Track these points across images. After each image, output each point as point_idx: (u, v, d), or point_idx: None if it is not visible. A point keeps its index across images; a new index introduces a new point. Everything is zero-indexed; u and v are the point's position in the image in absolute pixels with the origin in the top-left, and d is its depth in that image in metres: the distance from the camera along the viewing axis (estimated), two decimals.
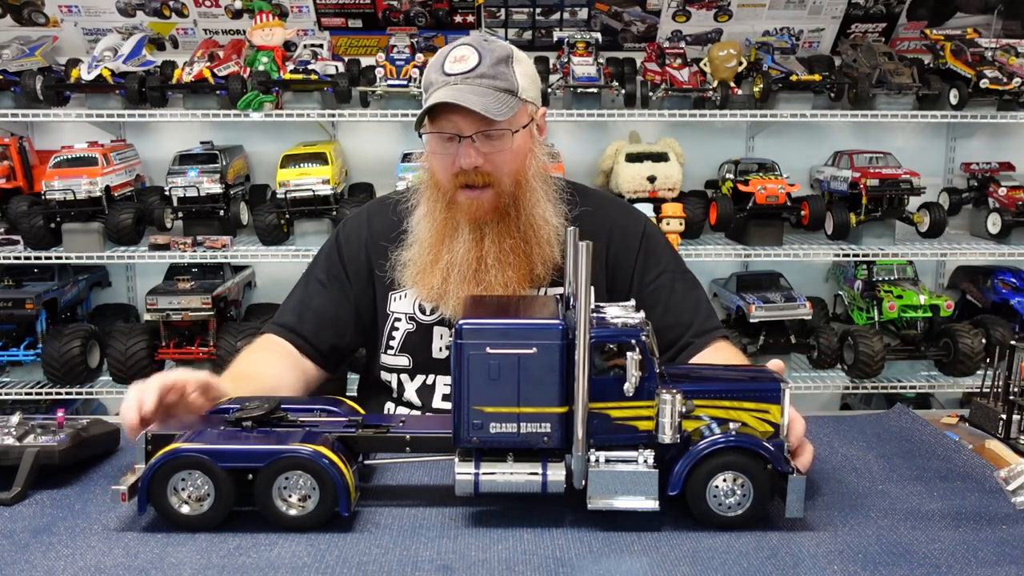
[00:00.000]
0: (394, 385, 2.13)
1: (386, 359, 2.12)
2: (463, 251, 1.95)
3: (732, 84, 3.98)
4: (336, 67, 3.95)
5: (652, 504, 1.41)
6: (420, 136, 1.99)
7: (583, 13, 4.15)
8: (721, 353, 2.04)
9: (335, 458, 1.41)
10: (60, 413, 1.69)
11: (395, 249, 2.07)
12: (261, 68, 3.84)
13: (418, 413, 2.10)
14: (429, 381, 2.09)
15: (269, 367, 2.06)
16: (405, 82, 3.84)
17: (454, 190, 1.96)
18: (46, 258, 3.82)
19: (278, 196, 3.85)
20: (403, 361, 2.10)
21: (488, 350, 1.39)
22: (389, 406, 2.15)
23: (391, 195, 2.25)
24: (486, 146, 1.92)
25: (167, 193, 3.87)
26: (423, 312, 2.08)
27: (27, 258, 3.82)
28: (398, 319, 2.10)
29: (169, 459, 1.40)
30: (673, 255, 2.19)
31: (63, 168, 3.75)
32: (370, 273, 2.13)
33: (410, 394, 2.10)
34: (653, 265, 2.11)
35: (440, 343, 2.06)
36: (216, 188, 3.85)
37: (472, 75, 1.89)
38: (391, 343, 2.10)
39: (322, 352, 2.11)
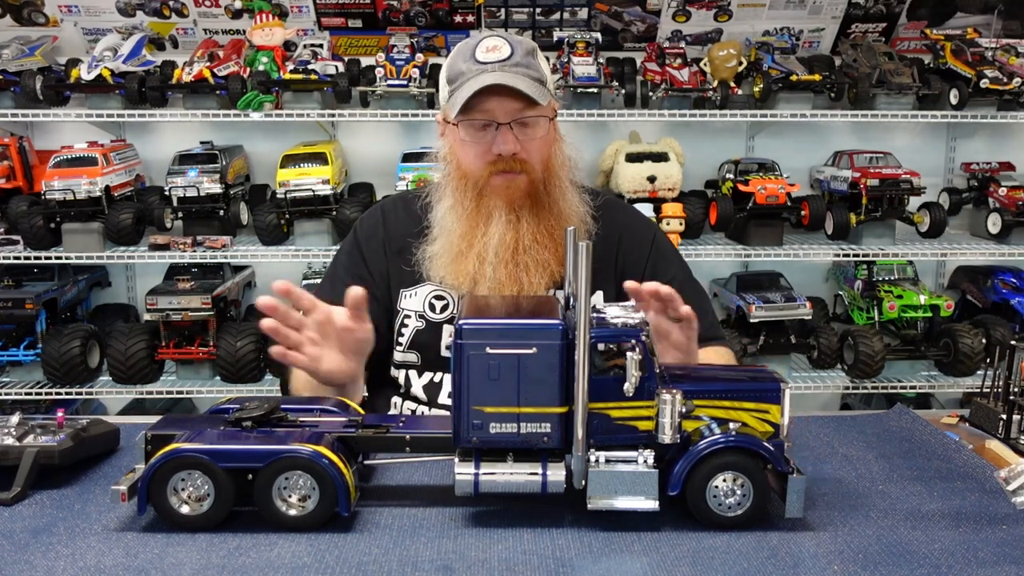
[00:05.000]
0: (402, 380, 2.15)
1: (395, 355, 2.14)
2: (499, 235, 1.98)
3: (732, 84, 3.98)
4: (336, 67, 3.95)
5: (652, 504, 1.41)
6: (453, 125, 1.99)
7: (583, 13, 4.15)
8: (711, 355, 2.07)
9: (335, 458, 1.41)
10: (60, 413, 1.69)
11: (417, 245, 2.08)
12: (261, 68, 3.84)
13: (423, 410, 2.12)
14: (436, 378, 2.11)
15: None
16: (405, 82, 3.84)
17: (487, 177, 1.99)
18: (46, 258, 3.82)
19: (278, 196, 3.85)
20: (411, 357, 2.12)
21: (488, 350, 1.39)
22: (396, 401, 2.16)
23: (406, 192, 2.29)
24: (521, 133, 1.96)
25: (167, 193, 3.87)
26: (433, 310, 2.10)
27: (27, 258, 3.83)
28: (408, 316, 2.12)
29: (169, 459, 1.40)
30: (681, 263, 2.24)
31: (63, 168, 3.76)
32: (387, 270, 2.15)
33: (417, 390, 2.13)
34: (662, 272, 2.14)
35: (448, 341, 2.07)
36: (216, 188, 3.85)
37: (509, 63, 1.94)
38: (400, 339, 2.12)
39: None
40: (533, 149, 1.98)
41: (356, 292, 1.74)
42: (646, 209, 3.79)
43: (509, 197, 1.99)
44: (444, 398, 2.09)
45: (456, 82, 1.97)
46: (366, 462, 1.59)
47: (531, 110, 1.95)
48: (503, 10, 4.12)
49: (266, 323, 1.69)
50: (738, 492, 1.41)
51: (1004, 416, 1.83)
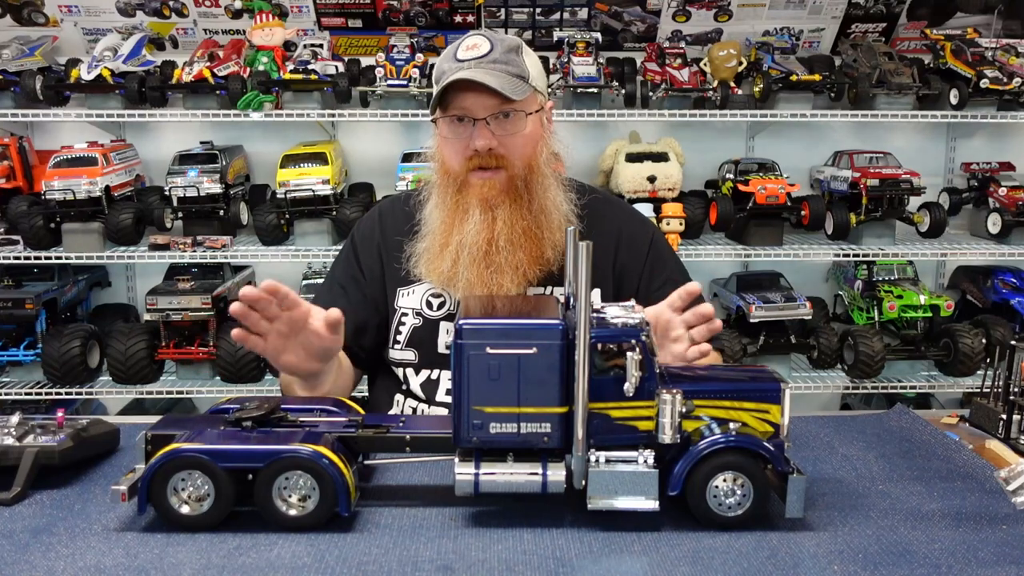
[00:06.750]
0: (401, 378, 2.16)
1: (393, 353, 2.15)
2: (474, 232, 1.98)
3: (732, 84, 3.98)
4: (336, 67, 3.95)
5: (652, 504, 1.41)
6: (434, 123, 2.03)
7: (583, 13, 4.15)
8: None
9: (335, 458, 1.41)
10: (60, 413, 1.69)
11: (408, 243, 2.10)
12: (261, 68, 3.84)
13: (422, 407, 2.13)
14: (434, 376, 2.12)
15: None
16: (405, 82, 3.84)
17: (466, 174, 2.00)
18: (46, 258, 3.82)
19: (278, 196, 3.85)
20: (409, 355, 2.13)
21: (488, 350, 1.39)
22: (398, 398, 2.17)
23: (405, 192, 2.32)
24: (499, 129, 1.96)
25: (167, 193, 3.87)
26: (430, 308, 2.11)
27: (27, 258, 3.82)
28: (405, 314, 2.13)
29: (169, 459, 1.40)
30: (677, 263, 2.25)
31: (63, 168, 3.76)
32: (382, 270, 2.17)
33: (415, 387, 2.13)
34: (659, 273, 2.16)
35: (446, 338, 2.09)
36: (216, 188, 3.85)
37: (485, 60, 1.95)
38: (398, 338, 2.13)
39: (353, 351, 2.14)
40: (512, 145, 1.98)
41: (334, 314, 1.78)
42: (646, 209, 3.79)
43: (484, 196, 1.99)
44: (442, 395, 2.10)
45: (439, 81, 1.99)
46: (366, 462, 1.59)
47: (507, 105, 1.95)
48: (503, 10, 4.12)
49: (234, 306, 1.70)
50: (738, 492, 1.41)
51: (1004, 416, 1.83)
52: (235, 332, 1.74)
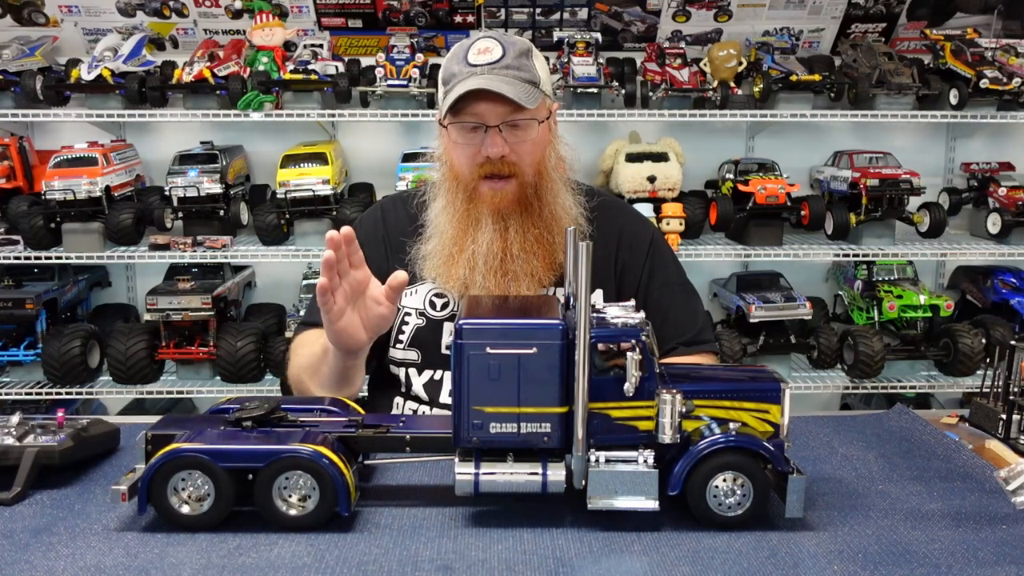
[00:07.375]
0: (402, 379, 2.15)
1: (395, 353, 2.14)
2: (488, 242, 1.99)
3: (732, 84, 3.98)
4: (336, 67, 3.95)
5: (652, 504, 1.41)
6: (445, 127, 2.02)
7: (583, 13, 4.15)
8: (696, 361, 2.09)
9: (335, 458, 1.41)
10: (60, 413, 1.69)
11: (412, 243, 2.09)
12: (261, 68, 3.84)
13: (424, 409, 2.12)
14: (437, 376, 2.11)
15: None
16: (405, 82, 3.84)
17: (476, 181, 1.99)
18: (46, 258, 3.82)
19: (278, 196, 3.85)
20: (412, 356, 2.12)
21: (488, 350, 1.39)
22: (398, 400, 2.17)
23: (404, 191, 2.29)
24: (511, 136, 1.96)
25: (167, 193, 3.87)
26: (433, 308, 2.11)
27: (27, 258, 3.82)
28: (408, 314, 2.12)
29: (169, 459, 1.40)
30: (677, 266, 2.25)
31: (63, 168, 3.76)
32: (388, 267, 2.15)
33: (417, 388, 2.13)
34: (659, 274, 2.17)
35: (449, 339, 2.08)
36: (216, 188, 3.85)
37: (498, 66, 1.94)
38: (400, 337, 2.12)
39: None
40: (523, 152, 1.98)
41: (401, 276, 1.73)
42: (646, 209, 3.79)
43: (496, 205, 1.99)
44: (445, 397, 2.09)
45: (449, 84, 1.98)
46: (366, 462, 1.59)
47: (520, 113, 1.94)
48: (503, 10, 4.12)
49: (327, 254, 1.67)
50: (738, 492, 1.41)
51: (1004, 416, 1.83)
52: (321, 282, 1.68)
